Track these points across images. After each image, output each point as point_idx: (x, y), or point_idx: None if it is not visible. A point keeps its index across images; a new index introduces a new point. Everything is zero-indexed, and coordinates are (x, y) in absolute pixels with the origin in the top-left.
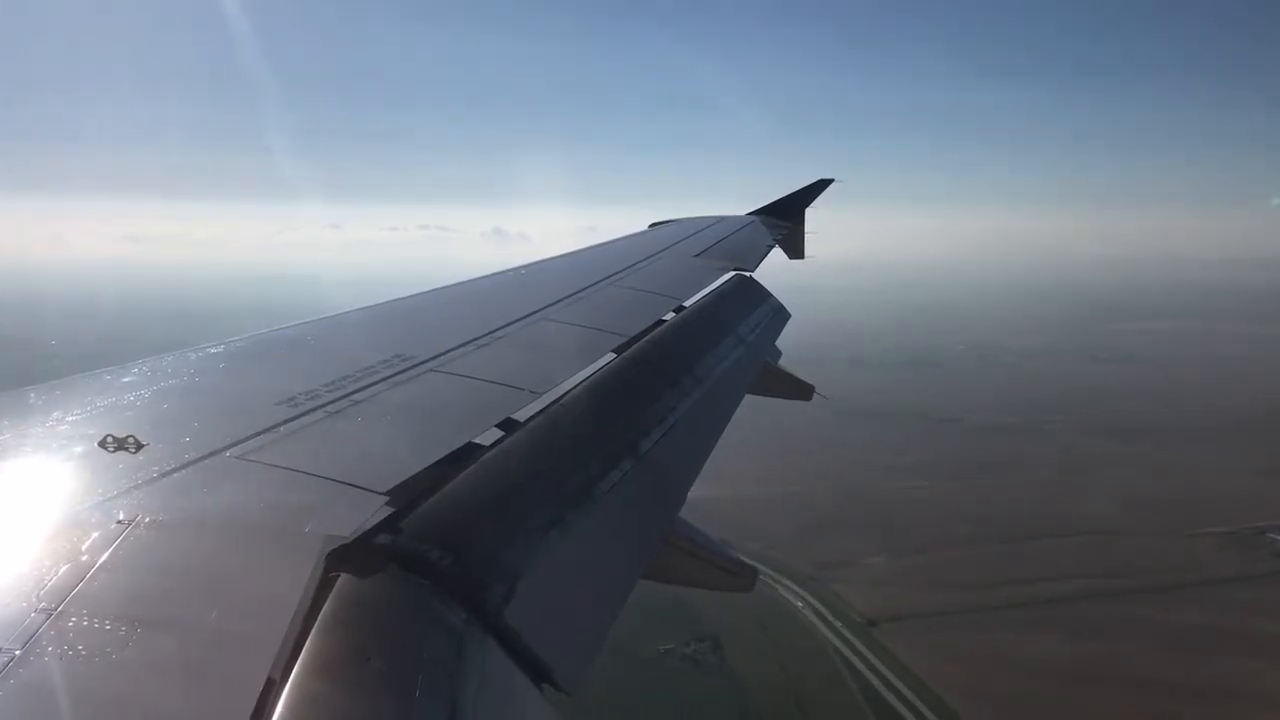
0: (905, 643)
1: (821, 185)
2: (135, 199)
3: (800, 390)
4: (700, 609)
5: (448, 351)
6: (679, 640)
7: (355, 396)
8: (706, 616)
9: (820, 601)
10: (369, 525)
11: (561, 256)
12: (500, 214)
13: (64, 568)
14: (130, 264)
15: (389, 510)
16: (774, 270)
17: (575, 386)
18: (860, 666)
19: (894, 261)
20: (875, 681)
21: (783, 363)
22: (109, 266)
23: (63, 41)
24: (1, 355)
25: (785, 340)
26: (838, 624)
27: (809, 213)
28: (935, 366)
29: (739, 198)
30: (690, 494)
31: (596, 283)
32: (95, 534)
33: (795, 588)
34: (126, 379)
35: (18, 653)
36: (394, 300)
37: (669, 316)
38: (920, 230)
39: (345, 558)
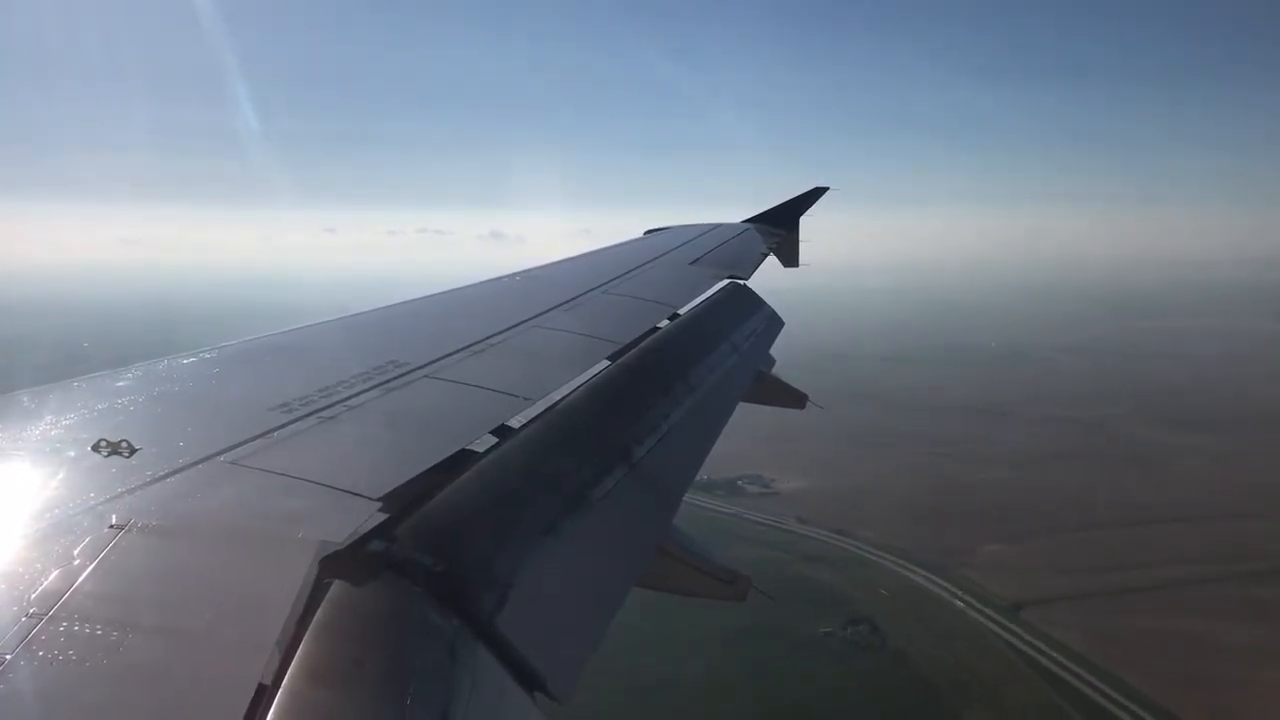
0: (1060, 625)
1: (816, 194)
2: (129, 202)
3: (794, 399)
4: (844, 594)
5: (442, 358)
6: (835, 623)
7: (349, 402)
8: (852, 601)
9: (955, 586)
10: (362, 531)
11: (556, 263)
12: (498, 217)
13: (55, 572)
14: (124, 268)
15: (383, 516)
16: (777, 275)
17: (569, 394)
18: (1024, 647)
19: (899, 263)
20: (1045, 661)
21: (784, 369)
22: (103, 270)
23: (57, 45)
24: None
25: (816, 337)
26: (983, 607)
27: (804, 221)
28: (973, 364)
29: (736, 199)
30: (785, 486)
31: (591, 290)
32: (87, 538)
33: (924, 573)
34: (120, 383)
35: (8, 657)
36: (389, 306)
37: (663, 324)
38: (922, 232)
39: (338, 564)
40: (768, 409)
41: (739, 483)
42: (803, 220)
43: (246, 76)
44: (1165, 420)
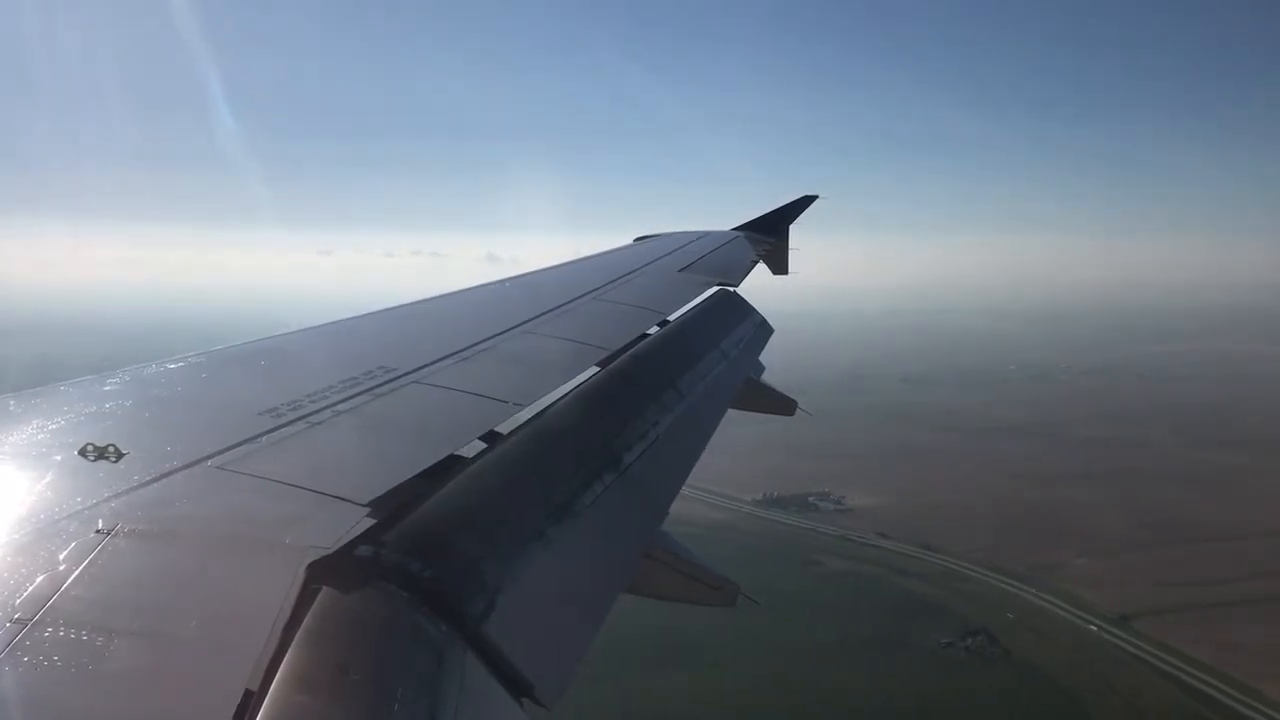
0: (1179, 636)
1: (806, 201)
2: (125, 225)
3: (783, 405)
4: (948, 606)
5: (431, 364)
6: (952, 635)
7: (338, 408)
8: (960, 613)
9: (1056, 597)
10: (350, 537)
11: (545, 270)
12: (493, 239)
13: (41, 577)
14: (122, 289)
15: (371, 522)
16: (778, 296)
17: (558, 400)
18: (1148, 658)
19: (890, 287)
20: (1175, 671)
21: (772, 378)
22: (99, 291)
23: (52, 67)
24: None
25: (832, 357)
26: (1092, 618)
27: (795, 233)
28: (997, 386)
29: (741, 215)
30: (856, 503)
31: (580, 296)
32: (74, 543)
33: (1021, 585)
34: (108, 388)
35: None
36: (377, 312)
37: (653, 331)
38: (913, 256)
39: (326, 569)
40: (818, 423)
41: (810, 499)
42: (794, 232)
43: (242, 100)
44: (1204, 440)
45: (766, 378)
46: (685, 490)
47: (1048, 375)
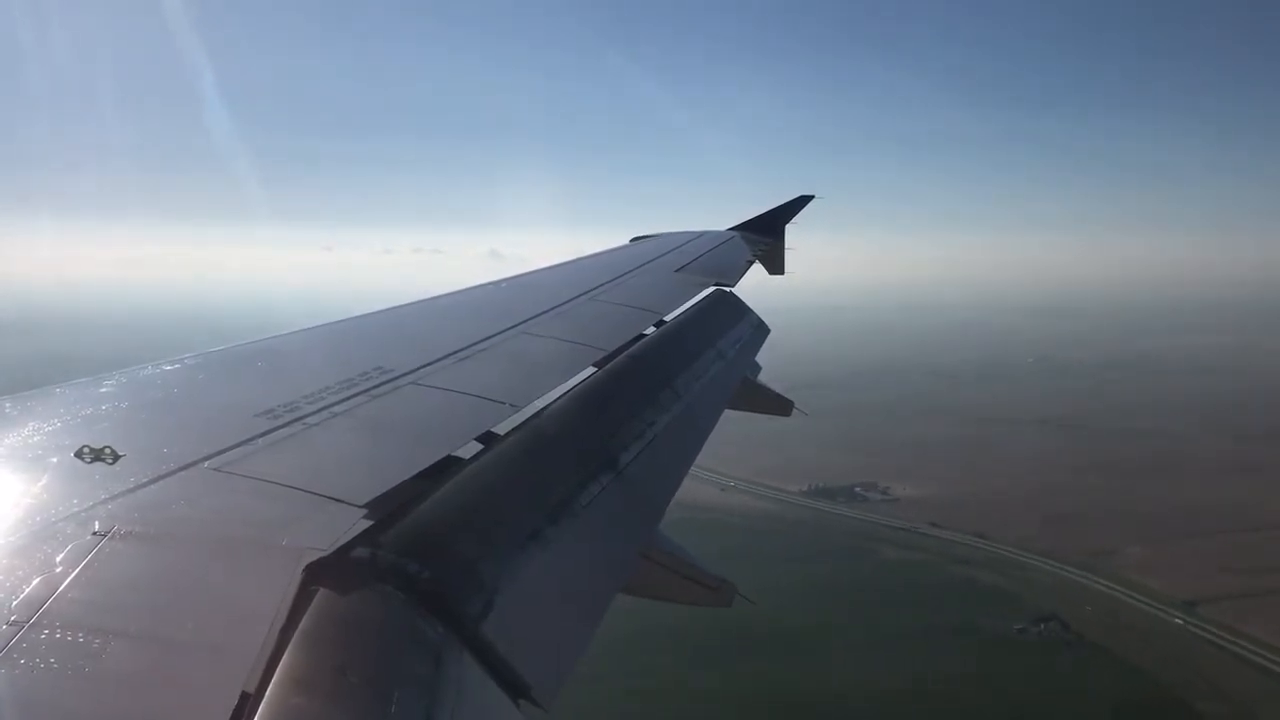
0: (1247, 620)
1: (802, 201)
2: (129, 223)
3: (779, 406)
4: (1013, 593)
5: (428, 364)
6: (1023, 621)
7: (335, 409)
8: (1025, 599)
9: (1117, 584)
10: (347, 538)
11: (542, 270)
12: (496, 236)
13: (37, 579)
14: (118, 288)
15: (368, 523)
16: (778, 288)
17: (555, 400)
18: (1224, 643)
19: (897, 285)
20: (1256, 657)
21: (780, 376)
22: (102, 289)
23: (53, 68)
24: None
25: (838, 357)
26: (1158, 604)
27: (791, 233)
28: (1018, 379)
29: (738, 215)
30: (903, 493)
31: (577, 297)
32: (70, 545)
33: (1080, 572)
34: (104, 389)
35: None
36: (374, 313)
37: (649, 331)
38: (913, 253)
39: (323, 571)
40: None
41: (856, 490)
42: (790, 232)
43: (245, 97)
44: (1239, 432)
45: (766, 378)
46: (733, 483)
47: (1066, 369)
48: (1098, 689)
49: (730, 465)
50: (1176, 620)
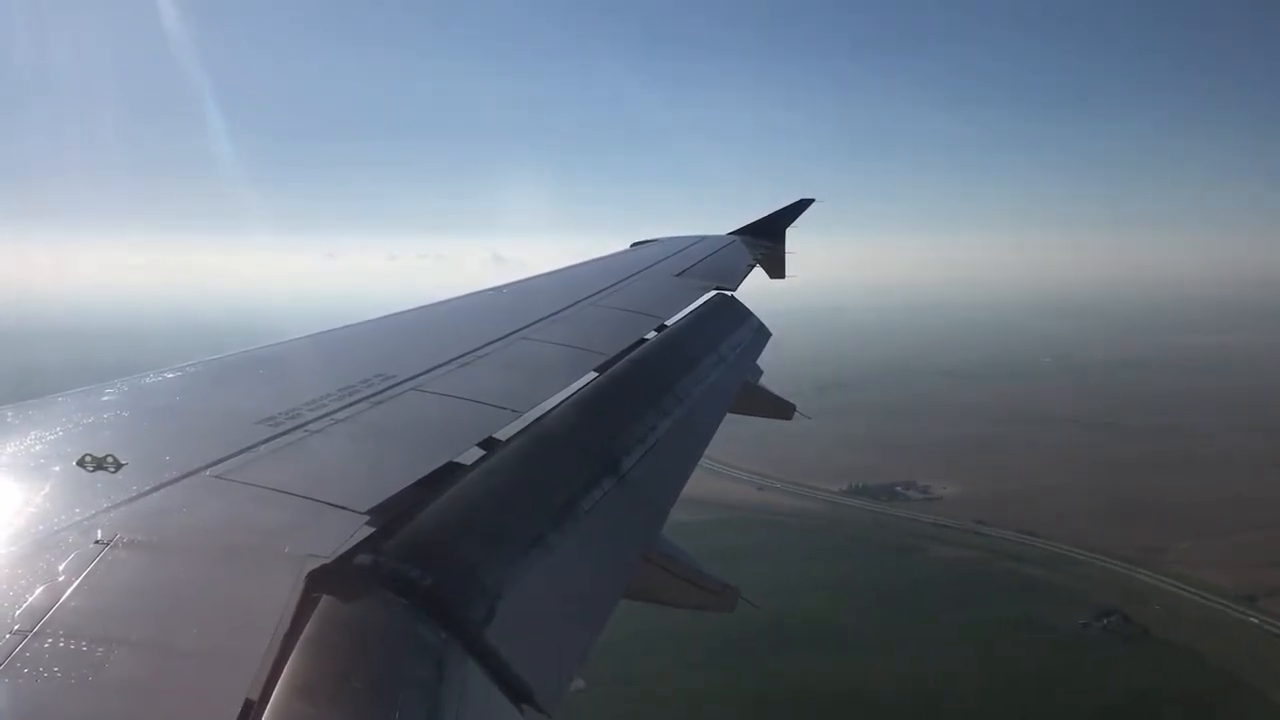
0: None
1: (802, 205)
2: (133, 230)
3: (781, 409)
4: (1070, 588)
5: (429, 370)
6: (1087, 615)
7: (336, 415)
8: (1083, 594)
9: (1172, 578)
10: (350, 545)
11: (543, 275)
12: (499, 241)
13: (40, 588)
14: (119, 296)
15: (370, 530)
16: (779, 291)
17: (557, 405)
18: None
19: (900, 285)
20: None
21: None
22: (103, 297)
23: (55, 74)
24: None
25: (850, 357)
26: (1216, 597)
27: (792, 236)
28: (1033, 377)
29: (739, 220)
30: (944, 492)
31: (578, 302)
32: (73, 554)
33: (1134, 567)
34: (106, 398)
35: None
36: (376, 319)
37: (650, 335)
38: (916, 256)
39: (326, 578)
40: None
41: (896, 489)
42: (791, 236)
43: (247, 104)
44: (1260, 428)
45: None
46: (773, 483)
47: (1084, 368)
48: (1171, 682)
49: (768, 465)
50: (1237, 614)
